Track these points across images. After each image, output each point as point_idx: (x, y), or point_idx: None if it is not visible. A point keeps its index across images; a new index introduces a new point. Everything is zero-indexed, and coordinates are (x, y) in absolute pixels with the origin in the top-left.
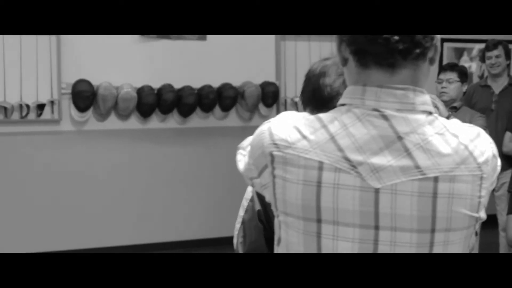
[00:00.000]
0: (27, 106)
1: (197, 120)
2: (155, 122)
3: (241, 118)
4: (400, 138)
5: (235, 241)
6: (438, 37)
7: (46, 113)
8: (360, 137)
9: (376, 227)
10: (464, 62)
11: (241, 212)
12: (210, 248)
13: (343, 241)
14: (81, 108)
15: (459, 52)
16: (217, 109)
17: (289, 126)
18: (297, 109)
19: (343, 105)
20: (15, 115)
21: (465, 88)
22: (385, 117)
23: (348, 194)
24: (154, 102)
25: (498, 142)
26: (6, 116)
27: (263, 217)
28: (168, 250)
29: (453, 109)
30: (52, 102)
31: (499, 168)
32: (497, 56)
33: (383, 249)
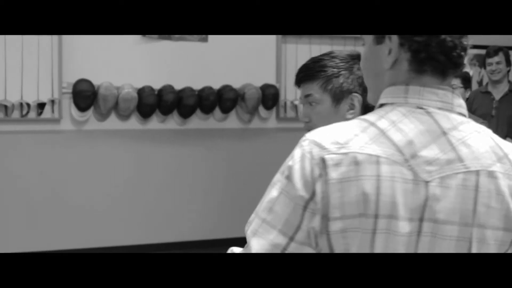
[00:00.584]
0: (28, 104)
1: (197, 121)
2: (155, 122)
3: (241, 120)
4: (444, 133)
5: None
6: None
7: (47, 112)
8: (409, 132)
9: (421, 219)
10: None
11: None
12: (209, 249)
13: (396, 235)
14: (82, 108)
15: None
16: (217, 111)
17: (334, 131)
18: (296, 113)
19: (383, 105)
20: (16, 114)
21: (468, 94)
22: (429, 114)
23: (403, 187)
24: (154, 102)
25: None
26: (6, 115)
27: None
28: (165, 251)
29: None
30: (52, 101)
31: None
32: (497, 63)
33: (424, 240)
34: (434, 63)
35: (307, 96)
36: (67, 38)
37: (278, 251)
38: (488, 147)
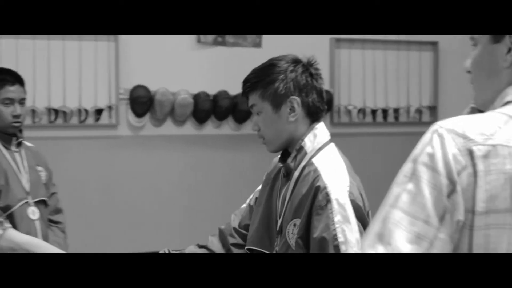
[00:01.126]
0: (86, 111)
1: (251, 126)
2: (210, 128)
3: None
4: None
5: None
6: None
7: (104, 118)
8: None
9: None
10: None
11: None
12: None
13: None
14: (139, 114)
15: None
16: None
17: (476, 122)
18: (350, 118)
19: (509, 102)
20: (74, 120)
21: None
22: None
23: None
24: (210, 108)
25: None
26: (65, 121)
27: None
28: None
29: None
30: (110, 107)
31: None
32: None
33: None
34: None
35: (251, 106)
36: (124, 45)
37: (425, 243)
38: None
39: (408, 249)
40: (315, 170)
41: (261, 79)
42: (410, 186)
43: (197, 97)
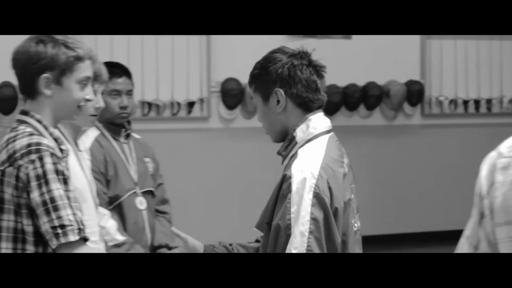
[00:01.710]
0: (178, 104)
1: (341, 118)
2: None
3: (386, 117)
4: None
5: None
6: None
7: (196, 111)
8: None
9: None
10: None
11: None
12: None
13: None
14: (230, 106)
15: None
16: (362, 108)
17: None
18: (441, 109)
19: None
20: (167, 113)
21: None
22: None
23: None
24: None
25: None
26: (158, 113)
27: None
28: None
29: None
30: (201, 100)
31: None
32: None
33: None
34: None
35: (251, 98)
36: (215, 39)
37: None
38: None
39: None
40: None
41: (255, 72)
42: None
43: None
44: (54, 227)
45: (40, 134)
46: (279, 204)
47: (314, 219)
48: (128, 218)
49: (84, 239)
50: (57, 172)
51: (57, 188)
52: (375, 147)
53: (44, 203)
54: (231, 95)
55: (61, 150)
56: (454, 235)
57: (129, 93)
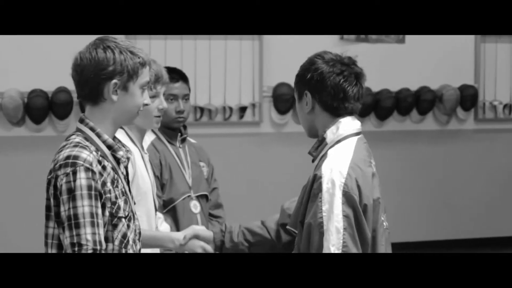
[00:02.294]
0: (230, 108)
1: (394, 123)
2: None
3: (438, 121)
4: None
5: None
6: None
7: (248, 116)
8: None
9: None
10: None
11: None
12: (403, 251)
13: None
14: (281, 111)
15: None
16: (414, 112)
17: None
18: (495, 114)
19: None
20: (219, 117)
21: None
22: None
23: None
24: None
25: None
26: (210, 118)
27: None
28: None
29: None
30: (253, 105)
31: None
32: None
33: None
34: None
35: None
36: (267, 43)
37: None
38: None
39: None
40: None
41: (298, 72)
42: None
43: None
44: (72, 244)
45: (85, 147)
46: (311, 203)
47: (346, 216)
48: (182, 222)
49: None
50: (89, 187)
51: (82, 205)
52: (427, 152)
53: (69, 218)
54: (283, 100)
55: (115, 158)
56: (507, 242)
57: (186, 97)
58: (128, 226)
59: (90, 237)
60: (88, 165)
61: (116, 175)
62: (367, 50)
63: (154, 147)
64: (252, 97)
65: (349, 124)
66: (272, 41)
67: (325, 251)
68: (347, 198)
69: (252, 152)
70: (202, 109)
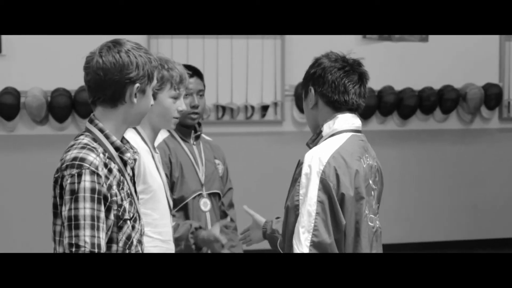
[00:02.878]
0: (252, 107)
1: (417, 122)
2: (374, 124)
3: (462, 121)
4: None
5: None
6: None
7: (270, 114)
8: None
9: None
10: None
11: None
12: (428, 251)
13: None
14: (303, 110)
15: None
16: (438, 111)
17: None
18: None
19: None
20: (241, 116)
21: None
22: None
23: None
24: (374, 104)
25: None
26: (232, 117)
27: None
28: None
29: None
30: (275, 104)
31: None
32: None
33: None
34: None
35: None
36: (289, 42)
37: None
38: None
39: None
40: None
41: (306, 71)
42: None
43: None
44: (70, 244)
45: (92, 149)
46: (291, 187)
47: (320, 202)
48: (192, 219)
49: None
50: (93, 190)
51: (84, 208)
52: (451, 152)
53: (69, 218)
54: None
55: (122, 159)
56: None
57: (200, 93)
58: (133, 227)
59: (89, 239)
60: (94, 168)
61: (122, 177)
62: (389, 48)
63: (165, 144)
64: (274, 96)
65: (346, 120)
66: (294, 40)
67: (295, 232)
68: (324, 184)
69: (274, 151)
70: (224, 108)
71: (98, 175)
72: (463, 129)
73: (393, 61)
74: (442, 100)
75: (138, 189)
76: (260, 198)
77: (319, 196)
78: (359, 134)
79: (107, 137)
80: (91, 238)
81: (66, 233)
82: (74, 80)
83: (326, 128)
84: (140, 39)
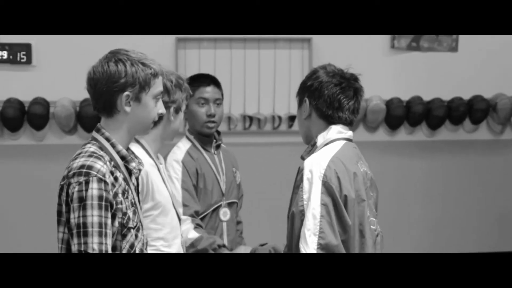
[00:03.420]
0: (279, 117)
1: (446, 132)
2: (403, 134)
3: (492, 131)
4: None
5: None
6: None
7: (297, 125)
8: None
9: None
10: None
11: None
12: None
13: None
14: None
15: None
16: (467, 122)
17: None
18: None
19: None
20: (268, 126)
21: None
22: None
23: None
24: (403, 114)
25: None
26: (259, 127)
27: None
28: None
29: None
30: None
31: None
32: None
33: None
34: None
35: None
36: (316, 51)
37: None
38: None
39: None
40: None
41: (302, 80)
42: None
43: (389, 103)
44: (79, 251)
45: (99, 157)
46: (294, 194)
47: (324, 205)
48: (206, 228)
49: None
50: (100, 198)
51: (92, 215)
52: (481, 163)
53: (78, 226)
54: None
55: (128, 169)
56: None
57: (217, 102)
58: (136, 236)
59: (97, 247)
60: (101, 176)
61: (127, 186)
62: (418, 58)
63: (189, 155)
64: None
65: (339, 131)
66: (322, 49)
67: (301, 236)
68: (326, 187)
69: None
70: (251, 118)
71: (105, 182)
72: (493, 140)
73: (422, 71)
74: (472, 111)
75: (147, 206)
76: (285, 207)
77: (323, 199)
78: (352, 142)
79: (113, 146)
80: (99, 245)
81: (75, 240)
82: None
83: (320, 139)
84: (169, 49)
